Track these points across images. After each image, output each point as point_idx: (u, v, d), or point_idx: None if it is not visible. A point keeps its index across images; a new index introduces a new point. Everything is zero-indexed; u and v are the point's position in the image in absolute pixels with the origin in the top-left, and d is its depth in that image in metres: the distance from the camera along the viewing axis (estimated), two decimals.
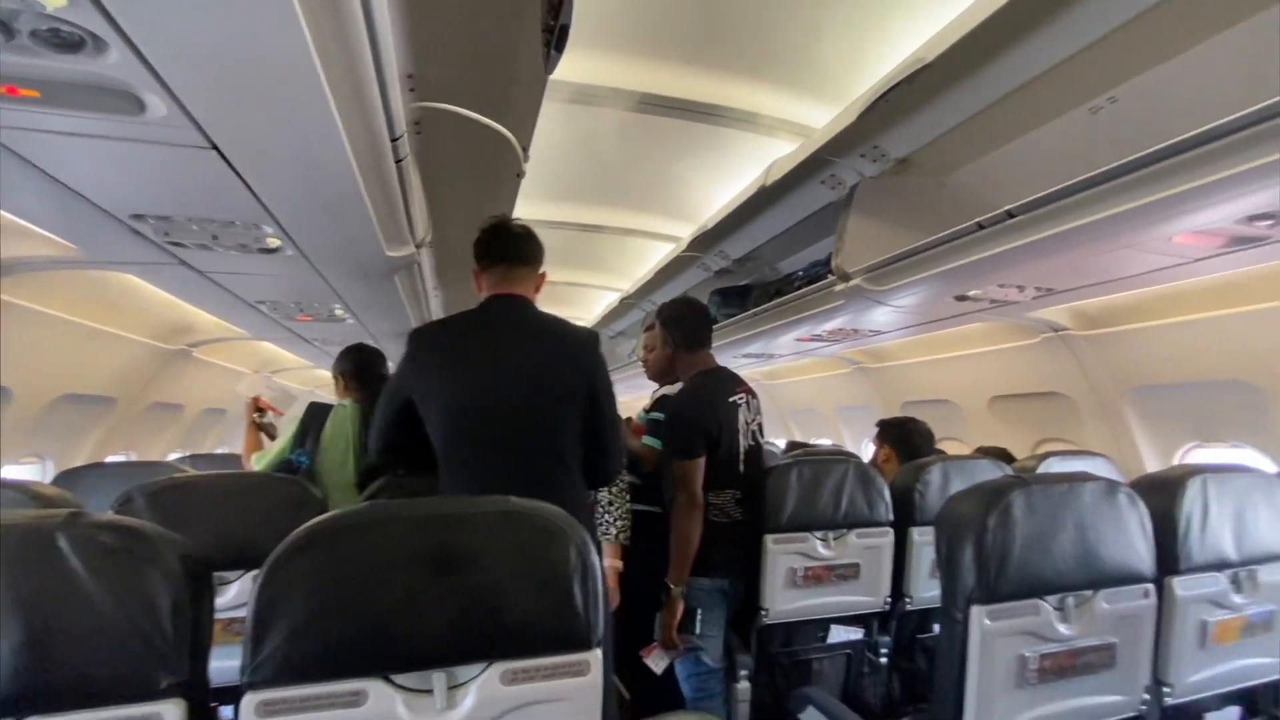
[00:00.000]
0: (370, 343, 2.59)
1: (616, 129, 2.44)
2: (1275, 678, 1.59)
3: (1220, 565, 1.49)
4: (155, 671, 0.76)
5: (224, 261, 2.04)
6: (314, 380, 6.51)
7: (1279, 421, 2.17)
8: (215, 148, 1.19)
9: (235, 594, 1.57)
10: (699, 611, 1.92)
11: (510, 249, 1.63)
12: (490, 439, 1.48)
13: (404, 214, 1.81)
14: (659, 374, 2.35)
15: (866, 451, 4.23)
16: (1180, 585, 1.43)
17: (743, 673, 1.97)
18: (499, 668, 0.90)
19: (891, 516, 2.14)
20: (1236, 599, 1.50)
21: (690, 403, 2.00)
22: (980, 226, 1.72)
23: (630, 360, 5.02)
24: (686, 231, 3.40)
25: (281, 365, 5.18)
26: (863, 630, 2.14)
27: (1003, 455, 2.65)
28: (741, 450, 2.03)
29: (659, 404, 2.25)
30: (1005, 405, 3.26)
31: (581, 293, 4.99)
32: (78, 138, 1.10)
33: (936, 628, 1.99)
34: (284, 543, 0.85)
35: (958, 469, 2.18)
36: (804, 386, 5.05)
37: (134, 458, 3.69)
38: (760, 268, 3.55)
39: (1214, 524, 1.48)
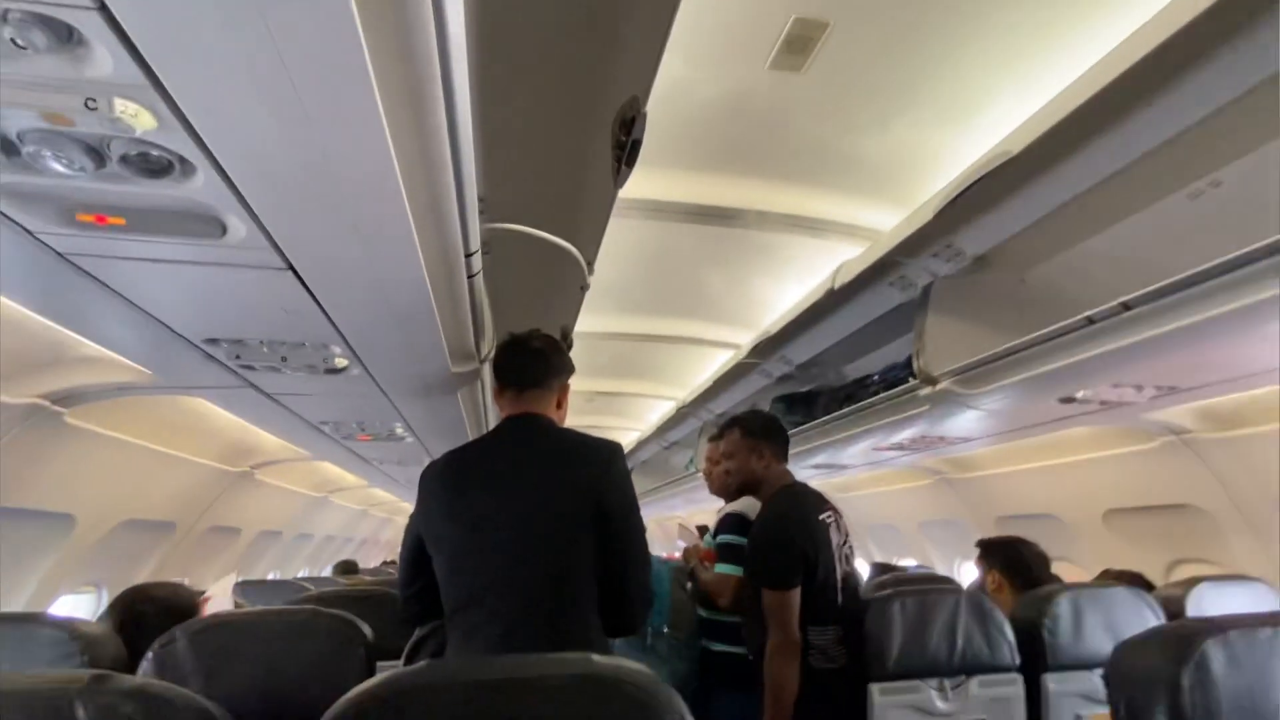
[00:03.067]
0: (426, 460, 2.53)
1: (677, 240, 2.45)
2: None
3: None
4: None
5: (291, 383, 2.05)
6: (368, 499, 6.48)
7: None
8: (292, 268, 1.19)
9: None
10: None
11: (516, 374, 1.47)
12: (488, 580, 1.27)
13: (471, 330, 1.79)
14: (725, 489, 2.12)
15: (961, 574, 3.82)
16: None
17: None
18: None
19: (1017, 660, 1.81)
20: None
21: (781, 522, 1.76)
22: (1091, 321, 1.57)
23: (688, 472, 4.83)
24: (746, 338, 3.32)
25: (340, 485, 5.18)
26: None
27: (1137, 580, 2.27)
28: (838, 578, 1.78)
29: (729, 524, 2.04)
30: (1124, 520, 2.88)
31: (635, 403, 4.91)
32: (159, 263, 1.10)
33: None
34: (331, 711, 0.71)
35: (1091, 600, 1.86)
36: (880, 500, 4.68)
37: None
38: (825, 373, 3.41)
39: None
